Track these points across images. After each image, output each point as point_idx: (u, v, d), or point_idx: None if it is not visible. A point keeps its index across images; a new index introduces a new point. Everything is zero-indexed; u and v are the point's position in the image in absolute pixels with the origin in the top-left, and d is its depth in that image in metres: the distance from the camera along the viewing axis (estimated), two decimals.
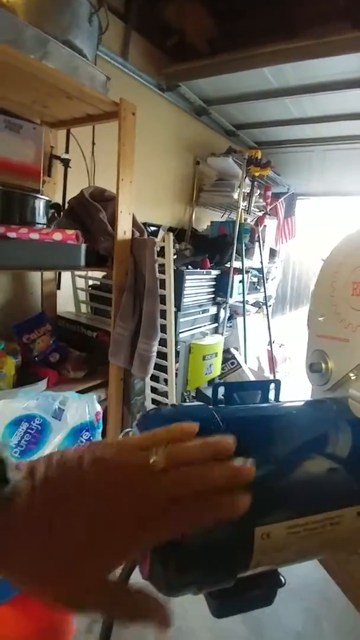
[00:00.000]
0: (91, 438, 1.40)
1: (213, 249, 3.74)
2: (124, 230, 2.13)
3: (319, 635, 1.40)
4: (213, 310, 3.62)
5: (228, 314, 3.74)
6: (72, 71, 1.60)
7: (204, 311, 3.44)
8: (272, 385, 0.75)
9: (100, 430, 1.49)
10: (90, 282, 2.81)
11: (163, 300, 2.29)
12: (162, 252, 2.22)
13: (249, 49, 2.74)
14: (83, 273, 2.75)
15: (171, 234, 2.20)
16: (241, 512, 0.33)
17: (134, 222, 2.27)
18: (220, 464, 0.33)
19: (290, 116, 3.62)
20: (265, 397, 0.74)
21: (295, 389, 3.66)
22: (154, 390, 2.62)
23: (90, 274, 2.77)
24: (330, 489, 0.49)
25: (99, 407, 1.49)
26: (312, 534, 0.45)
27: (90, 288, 2.76)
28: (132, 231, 2.23)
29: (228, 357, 3.33)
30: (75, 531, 0.28)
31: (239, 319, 3.99)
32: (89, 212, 2.20)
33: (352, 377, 0.65)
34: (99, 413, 1.48)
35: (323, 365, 0.69)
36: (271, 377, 3.94)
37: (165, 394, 2.56)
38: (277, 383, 0.77)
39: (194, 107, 3.61)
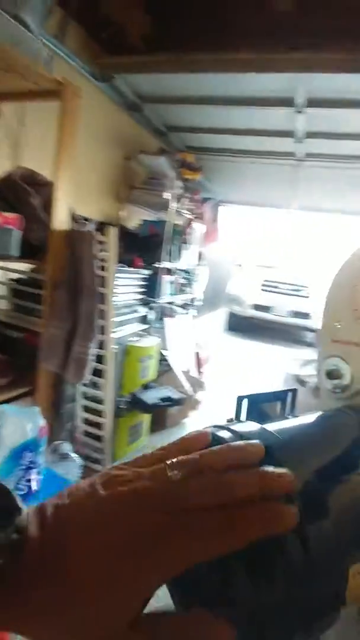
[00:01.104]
0: (34, 461, 1.19)
1: (144, 248, 3.65)
2: (60, 220, 1.91)
3: None
4: (142, 311, 3.53)
5: (157, 315, 3.69)
6: (16, 44, 1.40)
7: (133, 312, 3.32)
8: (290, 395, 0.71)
9: (43, 449, 1.28)
10: (13, 276, 2.46)
11: (101, 299, 2.13)
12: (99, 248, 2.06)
13: (187, 53, 2.73)
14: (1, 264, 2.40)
15: (114, 228, 2.05)
16: (287, 524, 0.29)
17: (72, 213, 2.06)
18: (248, 470, 0.29)
19: (221, 125, 3.73)
20: (285, 408, 0.70)
21: (222, 389, 3.74)
22: (86, 396, 2.42)
23: (12, 265, 2.43)
24: None
25: (42, 421, 1.29)
26: None
27: (13, 282, 2.41)
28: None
29: (160, 359, 3.27)
30: (92, 566, 0.25)
31: (167, 321, 3.97)
32: (18, 196, 1.92)
33: None
34: (43, 428, 1.27)
35: (343, 371, 0.66)
36: (198, 378, 4.00)
37: (99, 400, 2.38)
38: (294, 392, 0.72)
39: (127, 101, 3.47)
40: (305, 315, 6.40)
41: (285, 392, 0.66)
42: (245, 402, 0.61)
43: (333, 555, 0.38)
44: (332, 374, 0.68)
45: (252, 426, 0.46)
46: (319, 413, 0.63)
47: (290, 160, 4.10)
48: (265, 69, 2.59)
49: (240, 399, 0.61)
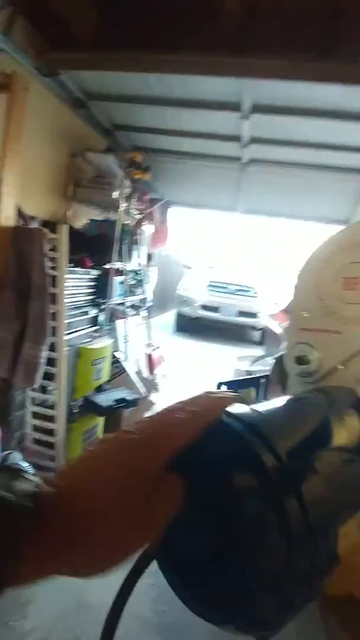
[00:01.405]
0: None
1: (92, 248, 3.54)
2: (6, 216, 1.79)
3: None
4: (92, 312, 3.42)
5: (108, 317, 3.60)
6: None
7: (83, 313, 3.21)
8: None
9: None
10: None
11: (52, 299, 2.02)
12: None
13: (133, 52, 2.70)
14: None
15: (67, 225, 1.96)
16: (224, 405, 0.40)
17: (18, 210, 1.94)
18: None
19: (168, 126, 3.74)
20: (259, 393, 0.71)
21: (176, 389, 3.75)
22: (36, 402, 2.27)
23: None
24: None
25: None
26: None
27: None
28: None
29: (112, 361, 3.19)
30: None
31: (118, 322, 3.90)
32: None
33: (340, 368, 0.67)
34: None
35: (311, 357, 0.69)
36: (151, 379, 3.97)
37: (50, 406, 2.25)
38: (267, 378, 0.74)
39: (73, 98, 3.35)
40: (252, 315, 6.66)
41: (258, 378, 0.67)
42: (223, 388, 0.61)
43: (327, 517, 0.40)
44: (301, 360, 0.70)
45: (243, 407, 0.46)
46: (290, 396, 0.65)
47: (236, 164, 4.24)
48: (210, 71, 2.64)
49: (219, 385, 0.61)
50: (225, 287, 6.82)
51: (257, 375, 0.64)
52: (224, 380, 0.66)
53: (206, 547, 0.36)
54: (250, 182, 4.53)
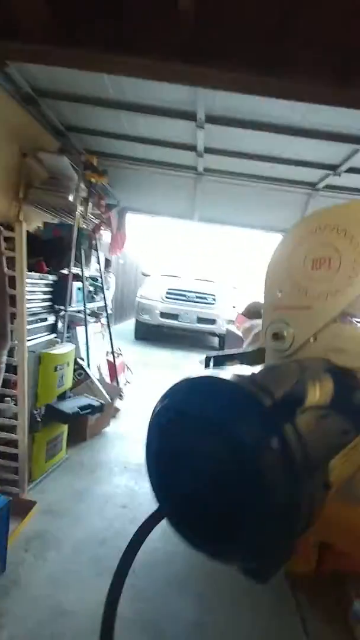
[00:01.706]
0: None
1: (48, 252, 3.44)
2: None
3: (214, 623, 1.45)
4: (50, 319, 3.31)
5: (66, 324, 3.50)
6: None
7: (40, 320, 3.09)
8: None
9: None
10: None
11: (11, 301, 1.93)
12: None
13: (87, 50, 2.70)
14: None
15: (24, 222, 1.90)
16: None
17: None
18: None
19: (124, 131, 3.77)
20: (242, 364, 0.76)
21: (140, 395, 3.72)
22: None
23: None
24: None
25: None
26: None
27: None
28: None
29: (75, 367, 3.09)
30: None
31: (78, 329, 3.80)
32: None
33: (312, 341, 0.72)
34: None
35: (285, 333, 0.74)
36: (115, 385, 3.90)
37: (11, 415, 2.14)
38: (249, 353, 0.78)
39: (22, 93, 3.26)
40: (211, 321, 6.80)
41: (242, 354, 0.71)
42: (212, 360, 0.65)
43: (317, 450, 0.45)
44: (276, 336, 0.75)
45: (237, 369, 0.50)
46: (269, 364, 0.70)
47: (191, 173, 4.36)
48: (163, 77, 2.69)
49: (208, 359, 0.66)
50: (184, 295, 6.91)
51: (243, 350, 0.69)
52: (212, 354, 0.70)
53: (215, 486, 0.39)
54: (205, 191, 4.68)
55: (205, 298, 6.93)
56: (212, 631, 1.43)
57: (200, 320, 6.81)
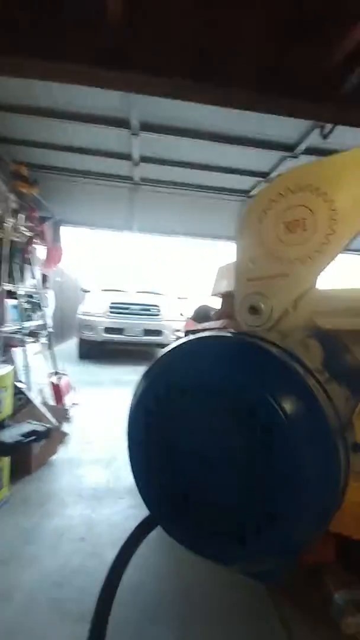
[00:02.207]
0: None
1: None
2: None
3: None
4: None
5: (1, 345, 3.18)
6: None
7: None
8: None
9: None
10: None
11: None
12: None
13: (14, 56, 2.56)
14: None
15: None
16: None
17: None
18: None
19: (56, 141, 3.62)
20: None
21: (91, 417, 3.47)
22: None
23: None
24: None
25: None
26: None
27: None
28: None
29: (14, 392, 2.78)
30: None
31: (15, 351, 3.47)
32: None
33: (291, 311, 0.66)
34: None
35: (262, 305, 0.67)
36: (60, 408, 3.60)
37: None
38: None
39: None
40: (158, 333, 6.70)
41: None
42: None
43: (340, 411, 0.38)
44: (253, 310, 0.67)
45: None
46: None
47: (128, 183, 4.30)
48: (93, 83, 2.63)
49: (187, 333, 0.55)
50: (127, 308, 6.74)
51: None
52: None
53: (225, 472, 0.30)
54: (143, 202, 4.65)
55: (149, 310, 6.83)
56: None
57: (147, 332, 6.68)
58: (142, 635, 1.37)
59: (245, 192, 4.55)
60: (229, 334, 0.53)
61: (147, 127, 3.21)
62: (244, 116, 3.03)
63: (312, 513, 0.29)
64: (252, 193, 4.48)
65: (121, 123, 3.17)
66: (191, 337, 0.39)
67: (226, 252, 5.73)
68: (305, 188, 0.67)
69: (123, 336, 6.66)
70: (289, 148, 3.46)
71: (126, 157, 3.76)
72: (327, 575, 1.57)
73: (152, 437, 0.38)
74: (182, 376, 0.34)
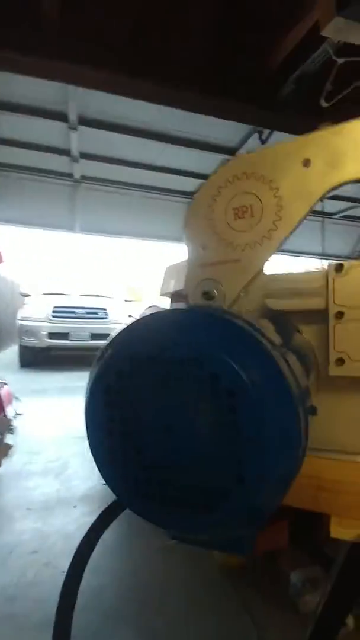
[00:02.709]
0: None
1: None
2: None
3: None
4: None
5: None
6: None
7: None
8: None
9: None
10: None
11: None
12: None
13: None
14: None
15: None
16: None
17: None
18: None
19: None
20: None
21: (37, 427, 3.28)
22: None
23: None
24: None
25: None
26: None
27: None
28: None
29: None
30: None
31: None
32: None
33: (243, 295, 0.68)
34: None
35: (216, 291, 0.68)
36: (2, 420, 3.35)
37: None
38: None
39: None
40: (105, 336, 6.53)
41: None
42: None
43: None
44: (207, 295, 0.68)
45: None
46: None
47: (68, 180, 4.15)
48: (30, 71, 2.50)
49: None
50: (72, 312, 6.48)
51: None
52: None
53: (192, 443, 0.30)
54: (86, 201, 4.51)
55: (96, 313, 6.63)
56: None
57: (94, 336, 6.47)
58: (105, 637, 1.32)
59: (189, 194, 4.62)
60: (193, 307, 0.53)
61: (86, 121, 3.12)
62: (187, 118, 3.07)
63: (277, 473, 0.30)
64: (188, 210, 4.55)
65: (59, 116, 3.04)
66: (154, 311, 0.38)
67: (173, 252, 5.77)
68: (251, 175, 0.68)
69: (68, 341, 6.40)
70: (230, 151, 3.58)
71: (65, 152, 3.62)
72: (282, 558, 1.65)
73: (114, 415, 0.37)
74: (147, 347, 0.34)
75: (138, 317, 0.41)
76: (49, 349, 6.47)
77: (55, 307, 6.45)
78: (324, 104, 2.26)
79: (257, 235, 0.66)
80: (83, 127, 3.16)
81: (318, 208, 3.89)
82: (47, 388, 5.30)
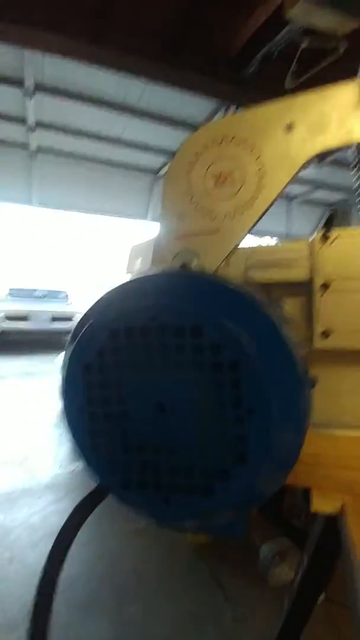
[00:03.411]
0: None
1: None
2: None
3: (135, 629, 1.29)
4: None
5: None
6: None
7: None
8: None
9: None
10: None
11: None
12: None
13: None
14: None
15: None
16: None
17: None
18: None
19: None
20: None
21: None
22: None
23: None
24: None
25: None
26: None
27: None
28: None
29: None
30: None
31: None
32: None
33: (222, 267, 0.65)
34: None
35: (194, 263, 0.64)
36: None
37: None
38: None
39: None
40: (67, 319, 6.30)
41: None
42: None
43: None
44: (185, 268, 0.64)
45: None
46: None
47: (23, 151, 3.86)
48: None
49: None
50: (31, 294, 6.18)
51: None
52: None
53: (184, 419, 0.26)
54: (43, 173, 4.23)
55: (56, 295, 6.37)
56: (132, 637, 1.27)
57: (55, 319, 6.23)
58: (79, 626, 1.30)
59: (154, 172, 4.47)
60: (181, 271, 0.48)
61: (42, 88, 2.88)
62: (151, 90, 2.93)
63: (282, 450, 0.28)
64: (160, 173, 4.43)
65: (14, 81, 2.78)
66: (140, 275, 0.34)
67: (138, 231, 5.62)
68: (232, 140, 0.64)
69: (28, 324, 6.11)
70: (195, 128, 3.47)
71: (20, 120, 3.35)
72: (251, 532, 1.69)
73: (96, 396, 0.32)
74: (132, 318, 0.29)
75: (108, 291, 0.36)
76: (5, 332, 6.15)
77: (11, 288, 6.11)
78: (289, 84, 2.24)
79: (237, 204, 0.62)
80: (40, 94, 2.92)
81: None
82: (7, 372, 5.06)
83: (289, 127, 0.62)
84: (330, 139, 0.60)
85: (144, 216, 5.04)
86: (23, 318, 6.05)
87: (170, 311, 0.28)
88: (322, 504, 0.57)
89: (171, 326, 0.28)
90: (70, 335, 0.35)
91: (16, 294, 6.10)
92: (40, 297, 6.25)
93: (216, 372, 0.27)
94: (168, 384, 0.28)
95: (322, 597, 1.27)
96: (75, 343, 0.34)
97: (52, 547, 0.31)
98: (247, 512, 0.35)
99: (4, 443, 2.83)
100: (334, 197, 5.19)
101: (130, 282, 0.33)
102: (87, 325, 0.33)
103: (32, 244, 7.10)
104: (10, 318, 5.97)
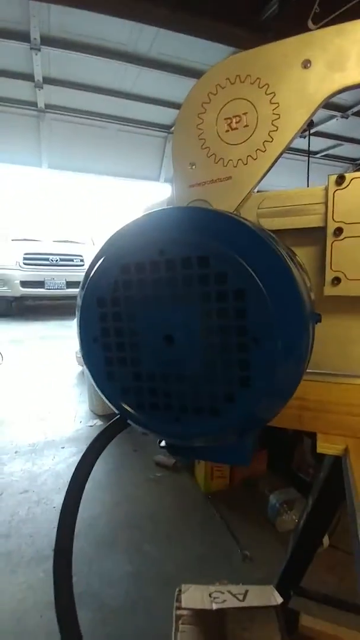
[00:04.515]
0: None
1: None
2: None
3: (151, 566, 1.41)
4: None
5: None
6: None
7: None
8: None
9: None
10: None
11: None
12: None
13: None
14: None
15: None
16: None
17: None
18: None
19: None
20: None
21: (17, 376, 3.22)
22: None
23: None
24: None
25: None
26: None
27: None
28: None
29: None
30: None
31: None
32: None
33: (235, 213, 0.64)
34: None
35: None
36: None
37: None
38: None
39: None
40: None
41: None
42: None
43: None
44: None
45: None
46: None
47: (32, 110, 3.74)
48: None
49: None
50: (46, 259, 6.21)
51: None
52: None
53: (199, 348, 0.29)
54: (52, 133, 4.11)
55: (71, 260, 6.39)
56: (148, 573, 1.39)
57: (70, 284, 6.29)
58: (100, 561, 1.43)
59: (166, 127, 4.28)
60: (190, 206, 0.49)
61: (49, 40, 2.74)
62: (160, 35, 2.75)
63: (283, 378, 0.29)
64: (172, 129, 4.23)
65: (19, 35, 2.65)
66: (150, 211, 0.34)
67: (150, 192, 5.47)
68: (245, 79, 0.61)
69: (44, 289, 6.20)
70: None
71: (28, 77, 3.22)
72: (261, 482, 1.78)
73: (109, 327, 0.34)
74: (143, 250, 0.30)
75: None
76: (23, 298, 6.27)
77: (26, 253, 6.14)
78: (312, 26, 2.06)
79: (250, 148, 0.60)
80: (46, 48, 2.78)
81: (304, 147, 3.69)
82: (25, 336, 5.22)
83: (306, 64, 0.58)
84: (349, 77, 0.56)
85: (156, 178, 4.89)
86: (39, 284, 6.14)
87: (177, 243, 0.29)
88: (327, 447, 0.59)
89: (175, 258, 0.29)
90: (88, 268, 0.37)
91: (31, 259, 6.14)
92: (55, 262, 6.28)
93: (221, 302, 0.28)
94: (176, 314, 0.30)
95: (326, 543, 1.35)
96: (89, 277, 0.35)
97: (76, 467, 0.35)
98: (249, 438, 0.38)
99: (26, 402, 2.99)
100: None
101: (140, 217, 0.34)
102: (101, 260, 0.34)
103: (45, 207, 7.02)
104: (26, 284, 6.06)
